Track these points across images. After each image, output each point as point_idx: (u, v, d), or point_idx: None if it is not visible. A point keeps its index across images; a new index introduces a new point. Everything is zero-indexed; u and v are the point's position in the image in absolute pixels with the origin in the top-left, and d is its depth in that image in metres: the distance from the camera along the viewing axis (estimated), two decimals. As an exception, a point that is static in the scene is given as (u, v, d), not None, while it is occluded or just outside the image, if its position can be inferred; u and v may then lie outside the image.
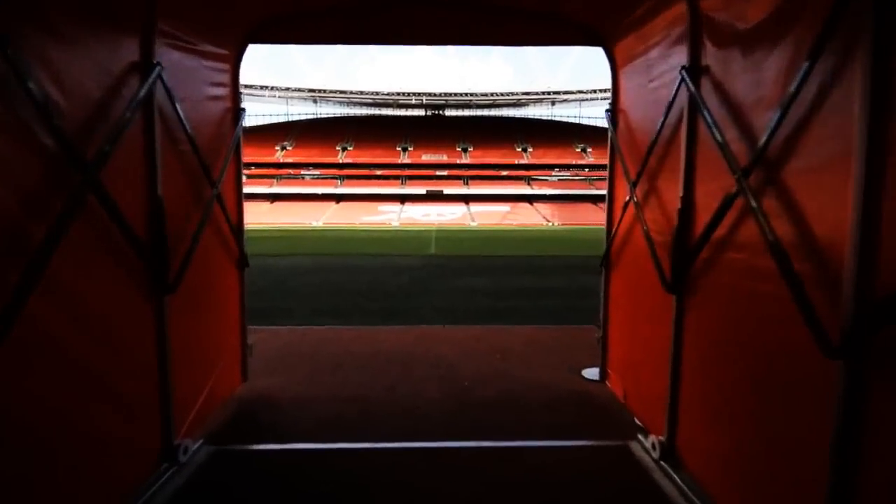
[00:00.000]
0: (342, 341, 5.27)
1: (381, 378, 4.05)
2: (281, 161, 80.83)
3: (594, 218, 70.82)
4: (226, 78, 3.35)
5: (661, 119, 2.70)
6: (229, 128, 3.37)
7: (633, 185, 3.05)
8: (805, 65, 1.65)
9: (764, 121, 1.89)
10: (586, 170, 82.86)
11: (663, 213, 2.75)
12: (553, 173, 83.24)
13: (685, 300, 2.51)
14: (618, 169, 3.52)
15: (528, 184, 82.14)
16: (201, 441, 2.80)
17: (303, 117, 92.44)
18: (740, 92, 2.11)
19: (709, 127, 2.20)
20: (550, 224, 66.47)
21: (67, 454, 1.91)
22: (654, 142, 2.80)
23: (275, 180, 79.72)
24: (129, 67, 2.31)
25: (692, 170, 2.46)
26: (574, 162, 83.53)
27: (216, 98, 3.23)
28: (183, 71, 2.81)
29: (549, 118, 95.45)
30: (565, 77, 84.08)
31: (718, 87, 2.26)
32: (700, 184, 2.42)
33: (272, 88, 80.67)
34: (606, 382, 3.73)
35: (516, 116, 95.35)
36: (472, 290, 8.48)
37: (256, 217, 67.65)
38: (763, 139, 1.85)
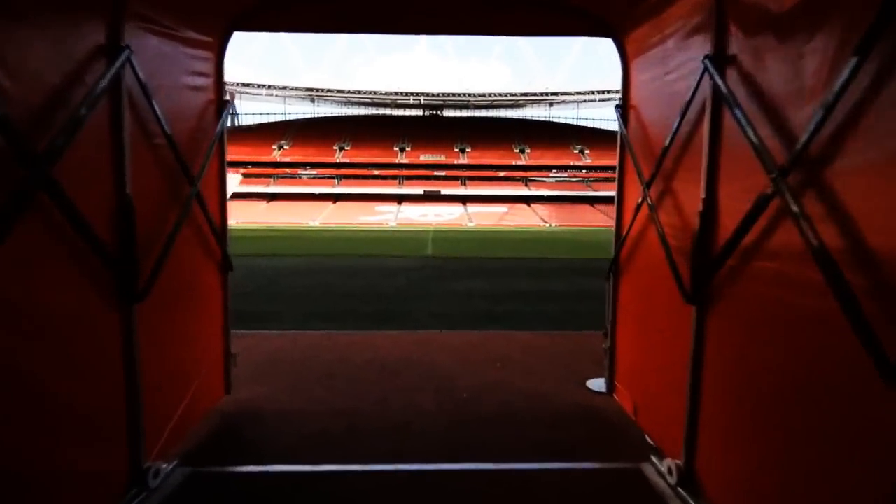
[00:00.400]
0: (334, 348, 5.03)
1: (373, 389, 3.81)
2: (278, 160, 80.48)
3: (591, 219, 70.89)
4: (209, 67, 3.11)
5: (680, 114, 2.48)
6: (212, 121, 3.13)
7: (647, 185, 2.83)
8: (855, 54, 1.44)
9: (804, 116, 1.67)
10: (584, 171, 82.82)
11: (681, 217, 2.53)
12: (551, 174, 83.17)
13: (707, 311, 2.29)
14: (628, 169, 3.30)
15: (526, 185, 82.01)
16: (176, 462, 2.56)
17: (300, 116, 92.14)
18: (774, 84, 1.89)
19: (738, 121, 1.98)
20: (548, 225, 66.37)
21: (18, 487, 1.67)
22: (672, 139, 2.58)
23: (272, 179, 79.36)
24: (94, 51, 2.08)
25: (715, 169, 2.24)
26: (572, 163, 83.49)
27: (197, 89, 2.99)
28: (159, 58, 2.58)
29: (547, 119, 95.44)
30: (563, 78, 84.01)
31: (747, 79, 2.04)
32: (724, 184, 2.20)
33: (269, 87, 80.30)
34: (614, 395, 3.51)
35: (514, 117, 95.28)
36: (469, 293, 8.25)
37: (253, 216, 67.40)
38: (805, 136, 1.63)
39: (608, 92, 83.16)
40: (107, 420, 2.19)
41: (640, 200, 2.96)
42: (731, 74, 2.14)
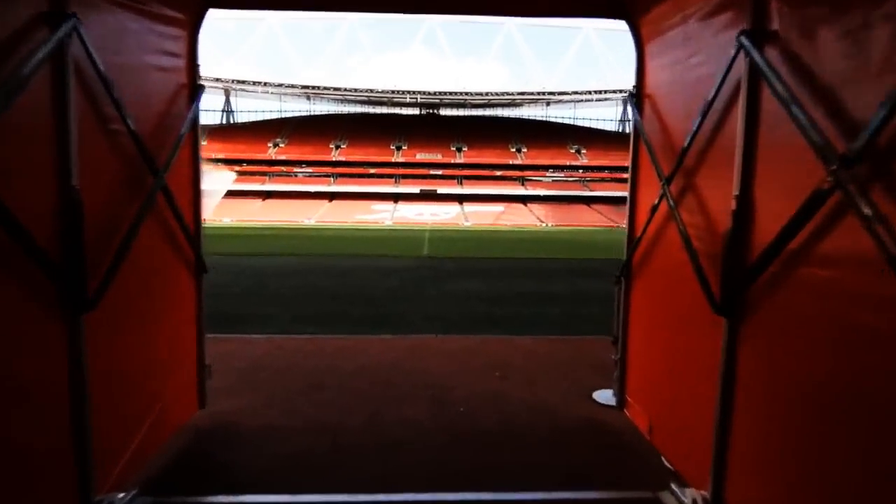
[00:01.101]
0: (323, 354, 4.73)
1: (362, 401, 3.51)
2: (273, 158, 79.98)
3: (588, 219, 70.84)
4: (180, 47, 2.80)
5: (707, 101, 2.20)
6: (183, 107, 2.82)
7: (667, 182, 2.54)
8: None
9: (869, 98, 1.40)
10: (580, 171, 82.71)
11: (708, 217, 2.25)
12: (547, 174, 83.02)
13: (740, 324, 2.01)
14: (642, 164, 3.02)
15: (523, 184, 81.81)
16: (134, 492, 2.26)
17: (296, 114, 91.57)
18: (828, 61, 1.61)
19: (784, 105, 1.69)
20: (544, 225, 66.18)
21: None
22: (697, 130, 2.29)
23: (267, 177, 78.85)
24: (34, 19, 1.77)
25: (751, 162, 1.96)
26: (568, 163, 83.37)
27: (166, 70, 2.69)
28: (120, 33, 2.27)
29: (544, 119, 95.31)
30: (560, 78, 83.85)
31: (793, 57, 1.76)
32: (763, 179, 1.92)
33: (265, 84, 79.73)
34: (625, 411, 3.23)
35: (511, 116, 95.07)
36: (466, 294, 7.96)
37: (248, 215, 66.93)
38: (875, 121, 1.35)
39: (605, 92, 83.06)
40: (50, 448, 1.89)
41: (657, 199, 2.67)
42: (772, 52, 1.85)
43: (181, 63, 2.80)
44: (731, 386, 2.06)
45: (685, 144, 2.38)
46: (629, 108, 3.05)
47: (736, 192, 2.00)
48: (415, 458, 2.75)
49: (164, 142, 2.56)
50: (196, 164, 3.01)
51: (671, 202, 2.48)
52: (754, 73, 1.92)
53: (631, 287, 3.18)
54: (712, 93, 2.17)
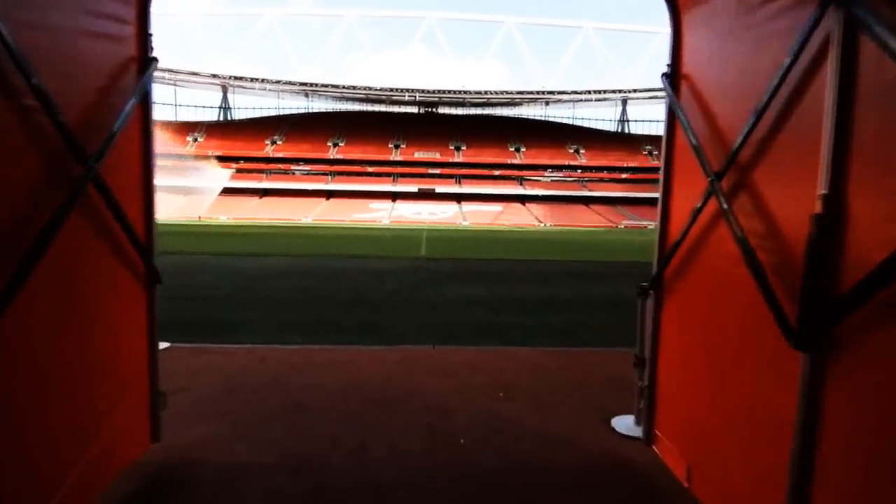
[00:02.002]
0: (308, 368, 4.27)
1: (349, 429, 3.05)
2: (271, 156, 79.44)
3: (587, 220, 70.58)
4: (127, 12, 2.33)
5: (778, 75, 1.74)
6: (130, 83, 2.35)
7: (717, 178, 2.09)
8: None
9: None
10: (579, 171, 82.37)
11: (778, 222, 1.79)
12: (546, 174, 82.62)
13: (828, 361, 1.56)
14: (678, 158, 2.56)
15: (521, 184, 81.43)
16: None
17: (294, 111, 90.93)
18: None
19: None
20: (543, 225, 65.79)
21: None
22: (761, 113, 1.84)
23: (264, 175, 78.31)
24: None
25: (844, 151, 1.51)
26: (567, 163, 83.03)
27: (109, 38, 2.21)
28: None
29: (543, 118, 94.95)
30: (559, 78, 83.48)
31: None
32: (861, 173, 1.46)
33: (262, 81, 79.15)
34: (654, 448, 2.77)
35: (510, 116, 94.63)
36: (465, 299, 7.50)
37: (244, 212, 66.43)
38: None
39: (604, 92, 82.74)
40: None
41: (701, 199, 2.22)
42: (870, 14, 1.40)
43: (129, 31, 2.33)
44: (813, 436, 1.61)
45: (744, 132, 1.92)
46: (665, 87, 2.58)
47: (823, 190, 1.55)
48: (409, 509, 2.29)
49: (100, 122, 2.10)
50: (147, 156, 2.54)
51: (724, 203, 2.02)
52: (850, 32, 1.47)
53: (662, 303, 2.72)
54: (785, 64, 1.71)
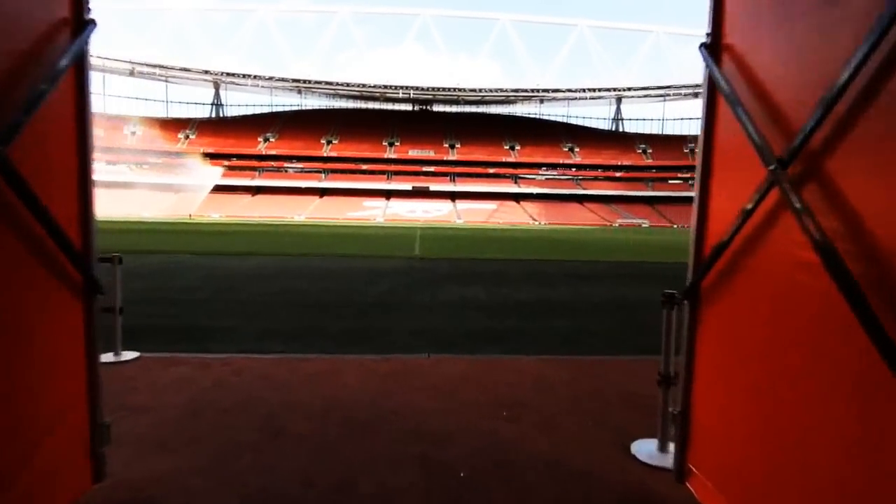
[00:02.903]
0: (289, 382, 3.84)
1: (329, 462, 2.63)
2: (264, 153, 78.71)
3: (581, 218, 70.50)
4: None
5: (868, 40, 1.34)
6: (58, 49, 1.91)
7: (781, 167, 1.68)
8: None
9: None
10: (573, 169, 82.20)
11: (867, 224, 1.39)
12: (540, 172, 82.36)
13: None
14: (720, 145, 2.16)
15: (516, 182, 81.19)
16: None
17: (287, 109, 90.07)
18: None
19: None
20: (537, 223, 65.55)
21: None
22: (843, 87, 1.44)
23: (257, 172, 77.57)
24: None
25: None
26: (562, 161, 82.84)
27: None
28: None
29: (538, 116, 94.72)
30: (553, 76, 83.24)
31: None
32: None
33: (255, 77, 78.33)
34: (687, 484, 2.36)
35: (504, 114, 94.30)
36: (462, 302, 7.09)
37: (236, 210, 65.71)
38: None
39: (598, 90, 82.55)
40: None
41: (757, 194, 1.81)
42: None
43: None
44: None
45: (819, 108, 1.52)
46: (705, 60, 2.16)
47: None
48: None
49: (16, 103, 1.66)
50: (84, 142, 2.09)
51: (793, 198, 1.61)
52: None
53: (699, 315, 2.31)
54: (875, 33, 1.31)
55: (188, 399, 3.48)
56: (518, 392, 3.72)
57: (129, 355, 4.57)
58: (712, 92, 2.18)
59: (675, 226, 67.68)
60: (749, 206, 1.86)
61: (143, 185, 68.17)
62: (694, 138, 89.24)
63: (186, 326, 5.60)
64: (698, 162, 2.28)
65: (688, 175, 79.90)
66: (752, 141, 1.82)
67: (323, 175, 79.49)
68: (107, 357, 4.46)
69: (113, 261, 4.51)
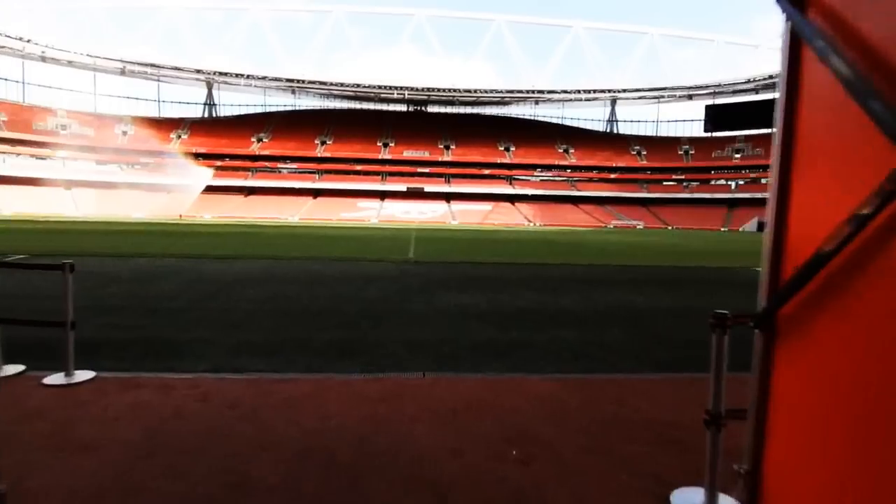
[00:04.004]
0: (261, 411, 3.31)
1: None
2: (257, 153, 77.96)
3: (575, 219, 70.29)
4: None
5: None
6: None
7: None
8: None
9: None
10: (568, 171, 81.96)
11: None
12: (535, 173, 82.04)
13: None
14: (804, 129, 1.65)
15: (511, 183, 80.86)
16: None
17: (280, 108, 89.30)
18: None
19: None
20: (533, 224, 65.19)
21: None
22: None
23: (250, 173, 76.77)
24: None
25: None
26: (556, 162, 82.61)
27: None
28: None
29: (532, 117, 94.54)
30: (549, 77, 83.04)
31: None
32: None
33: (248, 77, 77.59)
34: (758, 564, 1.85)
35: (499, 115, 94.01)
36: (460, 311, 6.56)
37: (229, 211, 64.93)
38: None
39: (594, 91, 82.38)
40: None
41: (877, 197, 1.30)
42: None
43: None
44: None
45: None
46: (787, 13, 1.66)
47: None
48: None
49: None
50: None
51: None
52: None
53: (775, 347, 1.80)
54: None
55: (141, 434, 2.94)
56: (528, 422, 3.21)
57: (83, 375, 4.01)
58: (794, 54, 1.67)
59: (669, 227, 67.53)
60: (866, 211, 1.35)
61: (134, 185, 67.23)
62: (688, 140, 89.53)
63: (157, 339, 5.04)
64: (775, 153, 1.76)
65: (682, 177, 79.92)
66: (875, 116, 1.31)
67: (317, 176, 78.87)
68: (57, 378, 3.91)
69: (63, 269, 3.96)
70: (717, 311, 2.22)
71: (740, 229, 66.46)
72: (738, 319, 2.04)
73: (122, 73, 77.76)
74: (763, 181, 74.93)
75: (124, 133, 75.17)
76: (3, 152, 64.44)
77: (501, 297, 7.70)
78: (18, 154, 65.26)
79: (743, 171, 77.13)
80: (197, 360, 4.47)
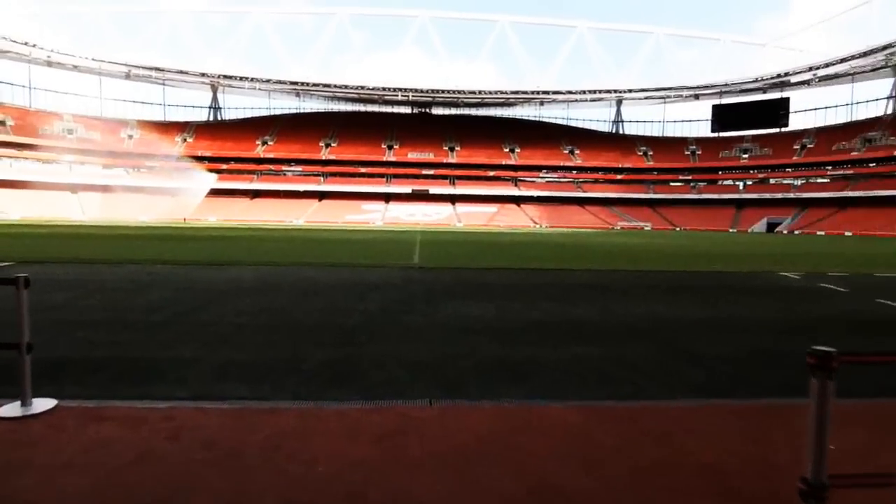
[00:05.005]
0: (237, 457, 2.78)
1: None
2: (262, 156, 77.87)
3: (581, 221, 69.70)
4: None
5: None
6: None
7: None
8: None
9: None
10: (574, 172, 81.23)
11: None
12: (540, 175, 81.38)
13: None
14: None
15: (516, 185, 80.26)
16: None
17: (285, 111, 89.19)
18: None
19: None
20: (538, 226, 64.57)
21: None
22: None
23: (255, 176, 76.66)
24: None
25: None
26: (562, 163, 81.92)
27: None
28: None
29: (537, 119, 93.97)
30: (553, 78, 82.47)
31: None
32: None
33: (253, 80, 77.49)
34: None
35: (504, 116, 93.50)
36: (468, 324, 6.03)
37: (234, 214, 64.78)
38: None
39: (599, 92, 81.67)
40: None
41: None
42: None
43: None
44: None
45: None
46: None
47: None
48: None
49: None
50: None
51: None
52: None
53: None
54: None
55: (91, 488, 2.43)
56: (556, 469, 2.67)
57: (41, 405, 3.51)
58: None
59: (676, 228, 66.68)
60: None
61: (140, 188, 67.27)
62: (695, 140, 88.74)
63: (134, 359, 4.55)
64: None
65: (689, 177, 79.03)
66: None
67: (322, 178, 78.68)
68: (12, 409, 3.41)
69: (17, 284, 3.45)
70: (817, 347, 1.68)
71: (749, 230, 65.52)
72: (858, 359, 1.50)
73: (128, 76, 77.87)
74: (772, 181, 73.94)
75: (130, 137, 75.24)
76: (10, 157, 64.60)
77: (513, 308, 7.16)
78: (25, 158, 65.43)
79: (751, 172, 76.11)
80: (174, 386, 3.96)
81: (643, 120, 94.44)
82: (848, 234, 55.69)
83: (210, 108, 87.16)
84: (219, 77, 78.28)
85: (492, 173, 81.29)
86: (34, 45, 64.79)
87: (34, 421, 3.32)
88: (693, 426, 3.29)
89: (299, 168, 79.85)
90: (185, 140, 78.77)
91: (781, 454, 2.84)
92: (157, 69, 75.23)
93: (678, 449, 2.94)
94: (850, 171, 67.38)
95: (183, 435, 3.06)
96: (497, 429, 3.21)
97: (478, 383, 4.15)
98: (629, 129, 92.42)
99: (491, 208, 76.13)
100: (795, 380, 4.34)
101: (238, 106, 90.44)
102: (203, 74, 77.45)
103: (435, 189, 78.55)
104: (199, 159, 74.02)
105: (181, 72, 76.30)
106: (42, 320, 5.80)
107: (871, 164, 65.64)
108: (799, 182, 72.76)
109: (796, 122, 76.38)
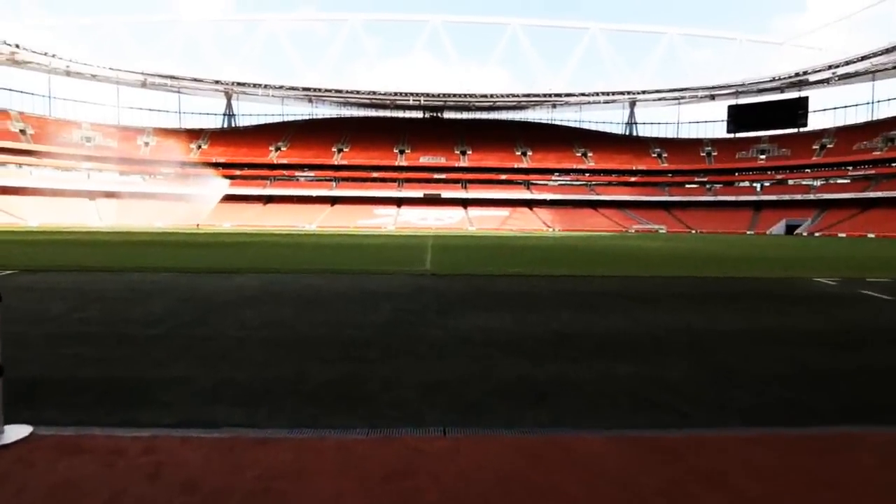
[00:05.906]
0: (222, 498, 2.39)
1: None
2: (275, 162, 78.42)
3: (595, 224, 68.81)
4: None
5: None
6: None
7: None
8: None
9: None
10: (587, 174, 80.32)
11: None
12: (553, 178, 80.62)
13: None
14: None
15: (528, 188, 79.61)
16: None
17: (298, 118, 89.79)
18: None
19: None
20: (552, 230, 63.82)
21: None
22: None
23: (268, 181, 77.21)
24: None
25: None
26: (574, 166, 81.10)
27: None
28: None
29: (549, 121, 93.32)
30: (566, 80, 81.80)
31: None
32: None
33: (266, 87, 78.14)
34: None
35: (516, 119, 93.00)
36: (485, 337, 5.59)
37: (247, 220, 65.22)
38: None
39: (612, 94, 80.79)
40: None
41: None
42: None
43: None
44: None
45: None
46: None
47: None
48: None
49: None
50: None
51: None
52: None
53: None
54: None
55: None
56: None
57: (15, 433, 3.15)
58: None
59: (692, 231, 65.45)
60: None
61: (155, 195, 68.06)
62: (711, 141, 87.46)
63: (122, 378, 4.20)
64: None
65: (704, 179, 77.69)
66: None
67: (334, 183, 78.97)
68: (-20, 438, 3.06)
69: (-16, 300, 3.11)
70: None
71: (767, 232, 64.05)
72: None
73: (144, 85, 79.02)
74: (790, 182, 72.31)
75: (146, 144, 76.28)
76: (30, 164, 65.80)
77: (533, 319, 6.69)
78: (44, 166, 66.58)
79: (769, 173, 74.54)
80: (161, 410, 3.58)
81: (657, 122, 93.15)
82: (871, 235, 54.09)
83: (224, 115, 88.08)
84: (233, 84, 79.05)
85: (504, 177, 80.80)
86: (54, 56, 66.02)
87: (5, 452, 2.96)
88: (747, 462, 2.82)
89: (312, 173, 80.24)
90: (199, 147, 79.63)
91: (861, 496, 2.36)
92: (172, 77, 76.24)
93: (738, 495, 2.47)
94: (872, 172, 65.60)
95: (163, 473, 2.68)
96: (519, 464, 2.78)
97: (497, 404, 3.71)
98: (643, 132, 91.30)
99: (503, 212, 75.59)
100: (856, 402, 3.86)
101: (252, 112, 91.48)
102: (217, 82, 78.28)
103: (447, 193, 78.31)
104: (214, 165, 74.71)
105: (196, 80, 77.22)
106: (32, 334, 5.50)
107: (893, 164, 63.84)
108: (818, 183, 71.06)
109: (815, 122, 74.73)
